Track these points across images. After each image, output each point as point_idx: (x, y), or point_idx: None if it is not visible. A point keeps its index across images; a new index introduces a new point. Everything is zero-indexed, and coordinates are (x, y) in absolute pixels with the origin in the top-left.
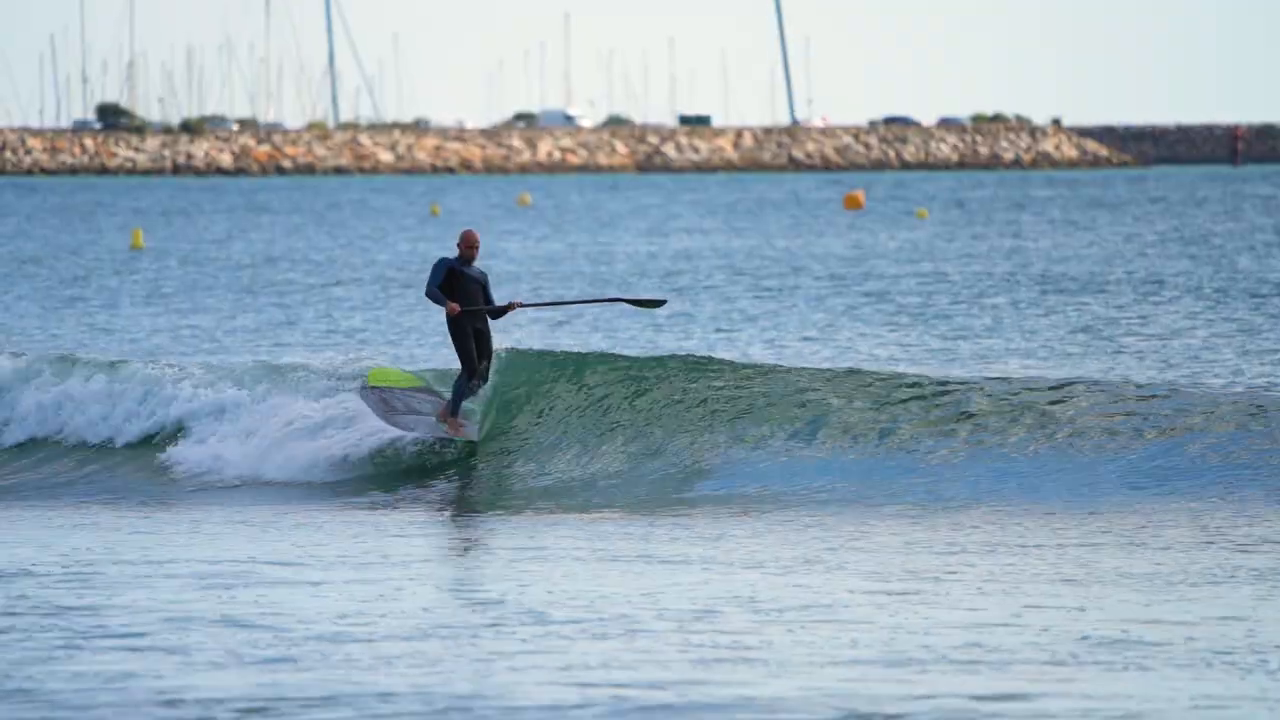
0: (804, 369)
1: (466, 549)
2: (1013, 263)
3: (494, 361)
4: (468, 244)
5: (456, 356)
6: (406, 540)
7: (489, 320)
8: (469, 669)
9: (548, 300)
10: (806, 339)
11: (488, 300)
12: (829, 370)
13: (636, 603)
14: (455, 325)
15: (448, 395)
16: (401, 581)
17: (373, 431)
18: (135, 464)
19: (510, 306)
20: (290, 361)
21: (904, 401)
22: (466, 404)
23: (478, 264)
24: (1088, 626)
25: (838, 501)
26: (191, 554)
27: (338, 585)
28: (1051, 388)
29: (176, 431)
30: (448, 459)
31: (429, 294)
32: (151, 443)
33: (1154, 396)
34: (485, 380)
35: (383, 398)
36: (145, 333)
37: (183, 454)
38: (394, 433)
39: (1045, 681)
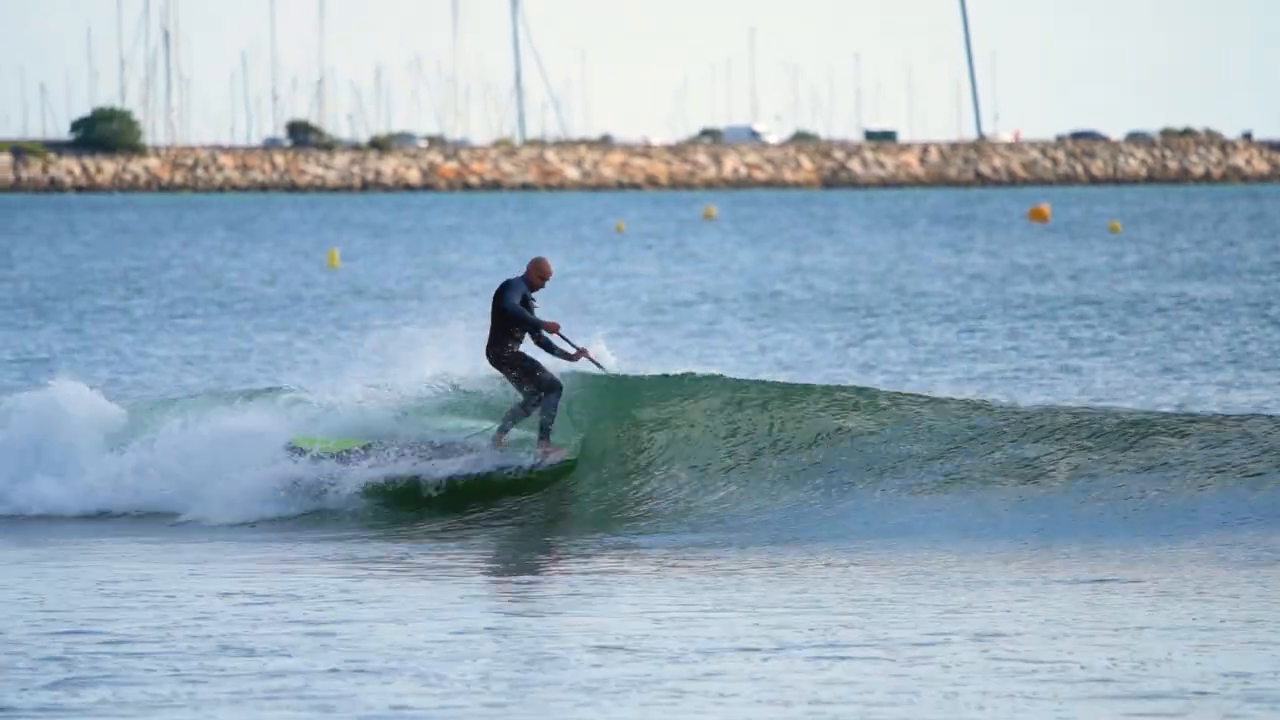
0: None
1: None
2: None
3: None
4: (541, 275)
5: (521, 383)
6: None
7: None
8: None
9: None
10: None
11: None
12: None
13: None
14: (523, 349)
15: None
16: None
17: (472, 462)
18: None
19: (579, 354)
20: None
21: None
22: (517, 431)
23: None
24: None
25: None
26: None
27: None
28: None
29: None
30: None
31: (514, 311)
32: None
33: None
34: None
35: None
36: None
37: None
38: (489, 461)
39: None
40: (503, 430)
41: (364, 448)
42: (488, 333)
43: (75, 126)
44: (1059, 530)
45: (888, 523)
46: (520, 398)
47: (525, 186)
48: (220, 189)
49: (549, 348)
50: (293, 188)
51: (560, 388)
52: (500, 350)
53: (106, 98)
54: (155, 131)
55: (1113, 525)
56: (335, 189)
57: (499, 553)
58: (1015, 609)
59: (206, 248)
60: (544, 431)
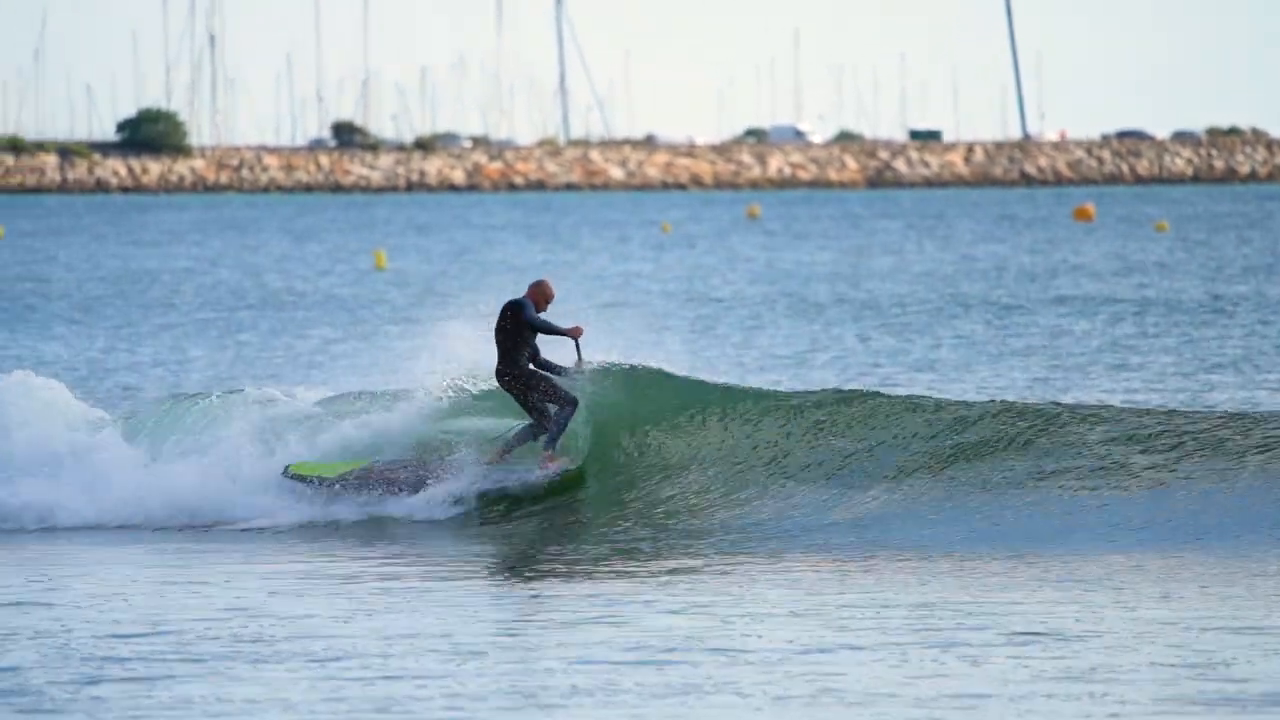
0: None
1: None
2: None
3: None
4: (545, 297)
5: (532, 402)
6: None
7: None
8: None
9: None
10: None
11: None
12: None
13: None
14: (533, 367)
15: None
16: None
17: (477, 478)
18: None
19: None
20: None
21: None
22: (522, 448)
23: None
24: None
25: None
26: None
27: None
28: None
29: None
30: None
31: (539, 321)
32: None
33: None
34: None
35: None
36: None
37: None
38: (499, 478)
39: None
40: (506, 449)
41: (362, 468)
42: (497, 354)
43: (121, 128)
44: (1121, 534)
45: (938, 526)
46: (528, 419)
47: (569, 186)
48: (265, 190)
49: (548, 367)
50: (337, 188)
51: (577, 402)
52: (513, 368)
53: (152, 99)
54: (201, 132)
55: (1189, 529)
56: (380, 189)
57: (520, 556)
58: (1085, 611)
59: (254, 248)
60: (550, 442)
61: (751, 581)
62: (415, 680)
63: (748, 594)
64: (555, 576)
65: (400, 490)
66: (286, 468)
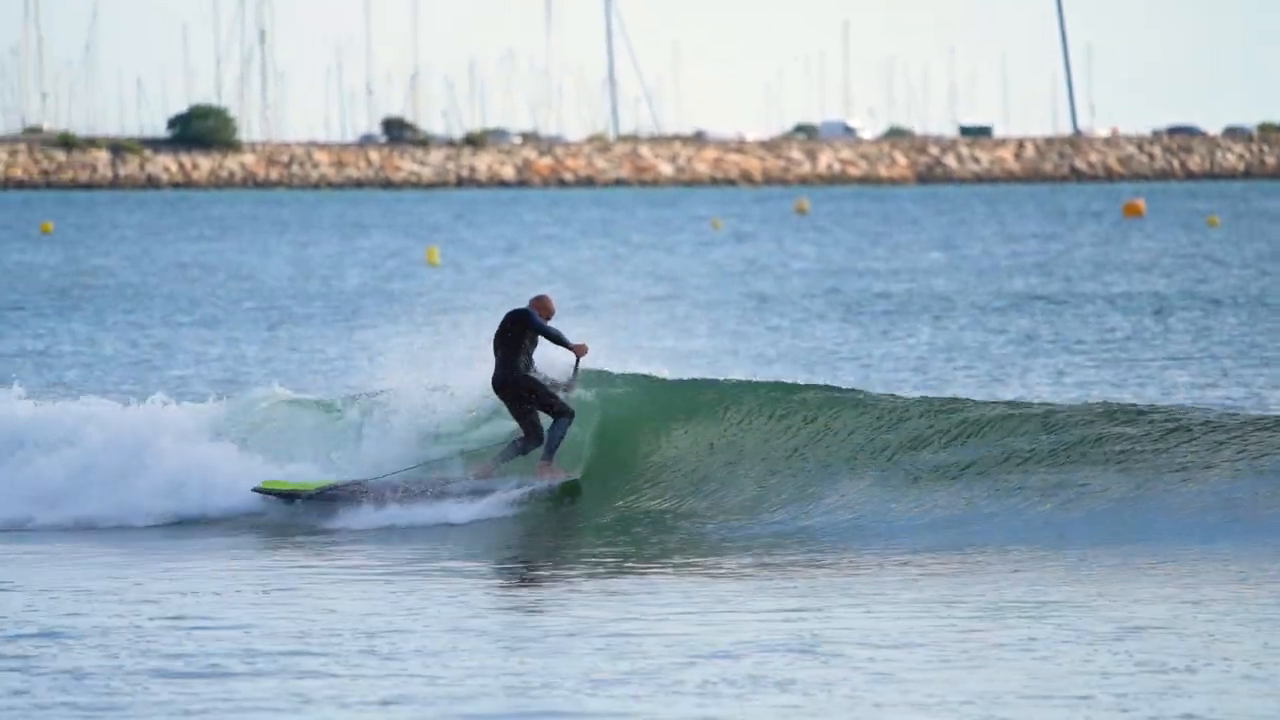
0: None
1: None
2: None
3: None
4: (547, 311)
5: (524, 412)
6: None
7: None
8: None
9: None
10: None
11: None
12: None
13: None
14: (537, 376)
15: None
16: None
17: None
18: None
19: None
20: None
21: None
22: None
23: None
24: None
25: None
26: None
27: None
28: None
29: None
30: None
31: (547, 328)
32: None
33: None
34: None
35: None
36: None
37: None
38: (503, 492)
39: None
40: (494, 464)
41: (333, 488)
42: (496, 361)
43: (172, 124)
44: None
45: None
46: (519, 433)
47: (619, 182)
48: (315, 185)
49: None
50: (387, 184)
51: (573, 414)
52: (514, 373)
53: (203, 95)
54: (251, 128)
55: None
56: (430, 185)
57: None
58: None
59: (305, 244)
60: (549, 453)
61: (818, 587)
62: (421, 679)
63: (809, 598)
64: (562, 579)
65: (407, 502)
66: (260, 485)
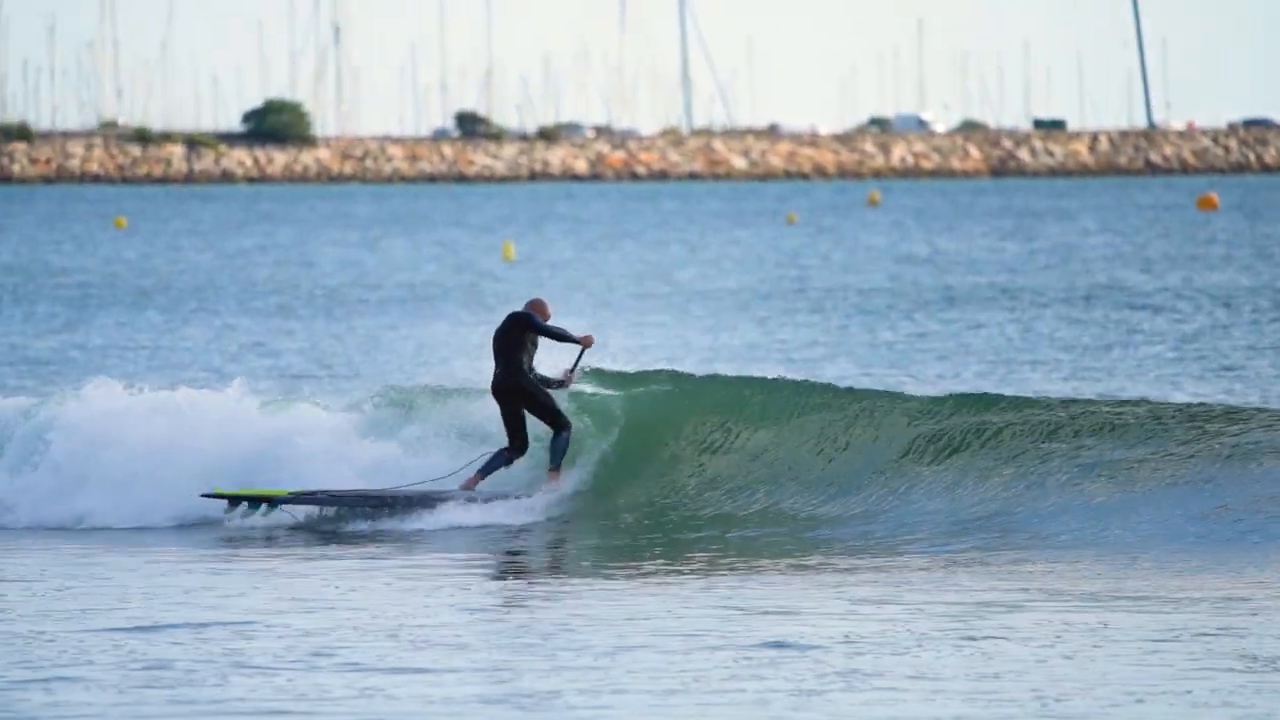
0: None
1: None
2: None
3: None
4: (544, 315)
5: (512, 420)
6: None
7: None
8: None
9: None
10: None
11: None
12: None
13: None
14: (539, 385)
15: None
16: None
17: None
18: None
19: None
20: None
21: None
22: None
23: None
24: None
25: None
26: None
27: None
28: None
29: None
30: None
31: (549, 327)
32: None
33: None
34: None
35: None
36: None
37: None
38: (510, 502)
39: None
40: (482, 474)
41: (294, 495)
42: (497, 365)
43: (247, 118)
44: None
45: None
46: (505, 443)
47: (692, 176)
48: (389, 180)
49: (543, 382)
50: (461, 178)
51: (570, 425)
52: (520, 378)
53: (277, 89)
54: (325, 123)
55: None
56: (503, 179)
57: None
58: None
59: (380, 239)
60: (556, 463)
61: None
62: (430, 674)
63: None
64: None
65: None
66: (213, 489)
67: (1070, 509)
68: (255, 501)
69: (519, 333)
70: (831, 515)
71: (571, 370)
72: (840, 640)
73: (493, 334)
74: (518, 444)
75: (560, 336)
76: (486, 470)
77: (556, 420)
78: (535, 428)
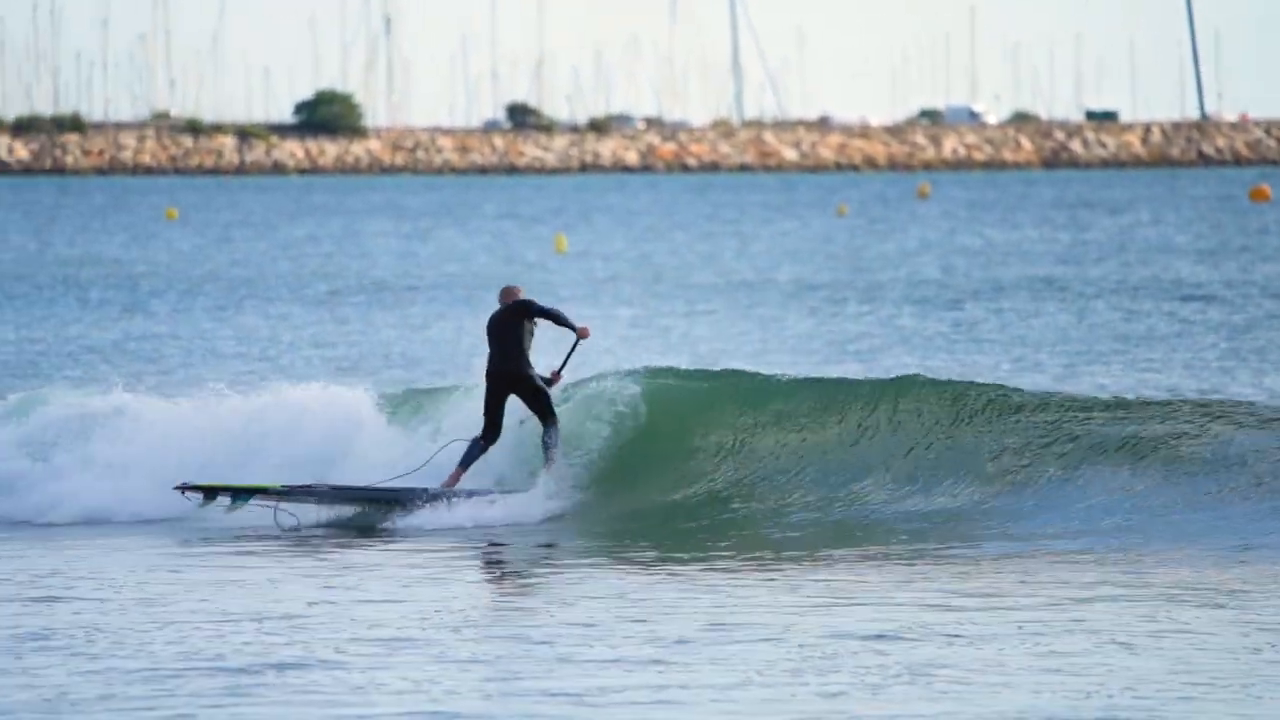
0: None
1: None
2: None
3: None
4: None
5: (495, 410)
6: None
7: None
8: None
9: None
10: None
11: None
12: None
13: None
14: (536, 376)
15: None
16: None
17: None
18: None
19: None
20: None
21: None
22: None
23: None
24: None
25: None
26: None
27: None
28: None
29: None
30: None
31: (550, 311)
32: None
33: None
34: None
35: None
36: None
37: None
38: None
39: None
40: (463, 466)
41: (279, 490)
42: (492, 351)
43: (298, 110)
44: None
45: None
46: (479, 434)
47: (743, 167)
48: (439, 171)
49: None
50: (511, 170)
51: (556, 418)
52: (518, 368)
53: (328, 81)
54: (376, 114)
55: None
56: (554, 171)
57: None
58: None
59: (429, 230)
60: (550, 455)
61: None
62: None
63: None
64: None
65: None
66: (186, 482)
67: (1146, 508)
68: (241, 494)
69: (517, 319)
70: (908, 510)
71: (560, 369)
72: (910, 632)
73: (488, 320)
74: (493, 432)
75: (560, 320)
76: (466, 462)
77: (550, 414)
78: (508, 419)
